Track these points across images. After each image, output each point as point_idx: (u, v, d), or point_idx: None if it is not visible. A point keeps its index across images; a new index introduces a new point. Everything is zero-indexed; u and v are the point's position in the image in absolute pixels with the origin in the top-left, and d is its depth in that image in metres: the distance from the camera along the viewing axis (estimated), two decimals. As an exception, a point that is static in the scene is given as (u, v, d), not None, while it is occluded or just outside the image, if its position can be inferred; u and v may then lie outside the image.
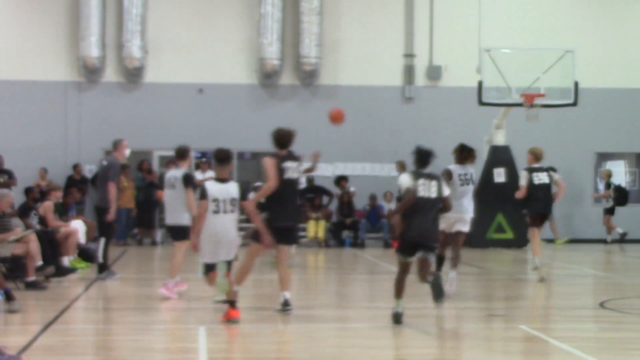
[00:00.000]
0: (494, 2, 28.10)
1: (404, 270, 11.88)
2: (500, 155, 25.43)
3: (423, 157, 12.54)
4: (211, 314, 12.67)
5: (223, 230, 11.83)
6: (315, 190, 26.54)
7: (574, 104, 24.92)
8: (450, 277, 14.70)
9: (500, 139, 25.65)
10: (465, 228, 15.02)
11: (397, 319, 11.79)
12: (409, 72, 28.06)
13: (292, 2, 27.50)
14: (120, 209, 23.45)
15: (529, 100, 24.18)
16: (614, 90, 28.28)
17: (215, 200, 11.83)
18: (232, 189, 12.01)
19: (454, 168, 15.71)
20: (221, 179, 12.09)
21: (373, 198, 26.50)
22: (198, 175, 26.17)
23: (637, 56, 28.36)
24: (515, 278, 18.40)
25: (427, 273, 11.72)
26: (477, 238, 24.42)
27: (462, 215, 15.00)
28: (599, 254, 23.50)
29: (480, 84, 24.71)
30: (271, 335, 11.37)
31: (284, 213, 12.61)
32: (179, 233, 14.47)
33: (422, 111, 27.98)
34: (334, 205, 26.59)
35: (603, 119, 28.35)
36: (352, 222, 26.01)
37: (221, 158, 12.23)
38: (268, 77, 27.51)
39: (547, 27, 28.08)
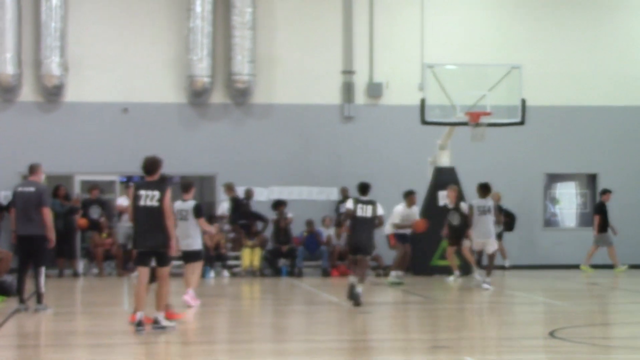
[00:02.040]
0: (436, 16, 28.37)
1: (353, 262, 17.78)
2: (445, 177, 25.57)
3: (363, 188, 18.11)
4: (134, 350, 12.59)
5: None
6: (248, 216, 26.50)
7: (522, 122, 25.20)
8: (485, 285, 20.88)
9: (444, 160, 25.82)
10: (493, 247, 21.56)
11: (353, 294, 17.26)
12: (348, 89, 28.20)
13: (223, 15, 27.52)
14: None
15: (474, 118, 24.41)
16: (563, 108, 28.67)
17: None
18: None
19: (475, 202, 21.67)
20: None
21: (310, 224, 26.52)
22: (123, 202, 26.05)
23: (586, 73, 28.79)
24: (460, 307, 18.53)
25: (362, 271, 17.63)
26: (421, 265, 24.55)
27: (486, 240, 21.48)
28: (547, 281, 23.75)
29: (423, 101, 24.90)
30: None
31: (141, 237, 14.07)
32: (192, 257, 17.42)
33: (363, 131, 28.11)
34: (269, 232, 26.56)
35: (552, 138, 28.71)
36: (289, 250, 26.00)
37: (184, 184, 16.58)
38: (198, 96, 27.47)
39: (493, 43, 28.41)
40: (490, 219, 21.43)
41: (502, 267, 26.15)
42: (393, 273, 22.38)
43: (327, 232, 26.46)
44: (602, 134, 28.86)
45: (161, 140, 27.37)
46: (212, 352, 12.64)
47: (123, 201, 26.06)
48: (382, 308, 18.24)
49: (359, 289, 17.31)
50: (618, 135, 28.90)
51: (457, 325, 15.76)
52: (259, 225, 26.57)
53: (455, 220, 22.78)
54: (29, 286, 16.83)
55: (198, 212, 17.28)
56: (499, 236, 24.58)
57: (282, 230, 26.24)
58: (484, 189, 21.69)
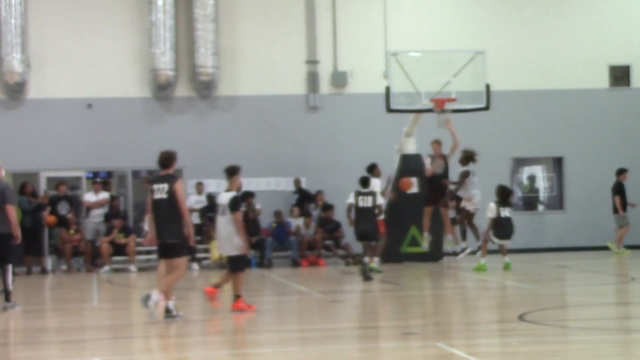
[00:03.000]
0: (399, 4, 28.44)
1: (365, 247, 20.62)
2: (411, 165, 25.65)
3: (364, 181, 20.53)
4: (104, 345, 12.58)
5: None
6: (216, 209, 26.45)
7: (487, 107, 25.29)
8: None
9: (411, 147, 25.88)
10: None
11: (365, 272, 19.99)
12: (312, 79, 28.21)
13: (185, 8, 27.45)
14: None
15: (440, 105, 24.46)
16: (527, 92, 28.83)
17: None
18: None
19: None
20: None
21: (279, 214, 26.55)
22: (91, 197, 25.98)
23: (549, 57, 28.95)
24: (431, 293, 18.63)
25: (370, 252, 20.49)
26: (390, 252, 24.61)
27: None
28: (516, 264, 23.87)
29: (387, 89, 24.93)
30: (173, 365, 11.34)
31: (157, 230, 14.37)
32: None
33: (328, 120, 28.15)
34: (237, 224, 26.52)
35: (518, 122, 28.86)
36: (257, 241, 26.00)
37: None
38: (162, 90, 27.39)
39: (456, 29, 28.52)
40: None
41: (454, 253, 24.79)
42: (376, 259, 22.44)
43: (296, 222, 26.49)
44: (567, 117, 29.04)
45: (126, 134, 27.32)
46: (184, 345, 12.65)
47: (90, 197, 26.00)
48: (353, 296, 18.30)
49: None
50: (583, 118, 29.10)
51: (427, 312, 15.85)
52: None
53: (439, 168, 23.13)
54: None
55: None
56: (454, 221, 24.45)
57: (250, 221, 26.23)
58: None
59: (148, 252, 26.63)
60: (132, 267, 25.10)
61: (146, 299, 14.11)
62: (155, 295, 14.05)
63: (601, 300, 16.21)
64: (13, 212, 16.40)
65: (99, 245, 25.20)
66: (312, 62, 28.25)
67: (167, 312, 14.17)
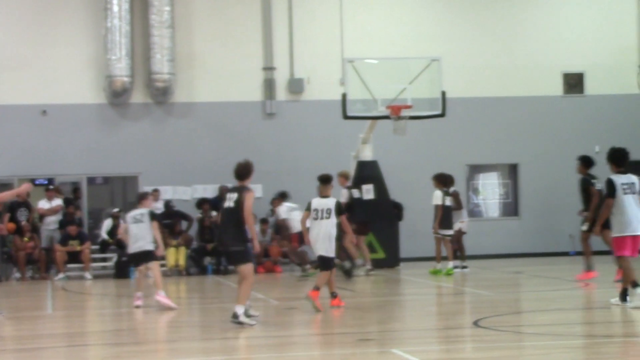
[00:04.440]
0: (355, 11, 28.54)
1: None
2: (368, 171, 25.76)
3: (324, 179, 16.71)
4: (62, 353, 12.51)
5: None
6: (172, 216, 26.41)
7: (442, 114, 25.44)
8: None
9: (367, 154, 25.98)
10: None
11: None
12: (269, 86, 28.23)
13: (141, 14, 27.37)
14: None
15: (396, 112, 24.59)
16: (482, 99, 29.03)
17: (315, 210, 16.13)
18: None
19: None
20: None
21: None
22: (44, 204, 25.78)
23: (503, 64, 29.17)
24: (387, 299, 18.68)
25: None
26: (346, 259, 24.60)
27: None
28: (471, 270, 23.99)
29: (344, 96, 25.01)
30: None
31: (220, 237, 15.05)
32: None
33: (285, 127, 28.18)
34: (193, 231, 26.49)
35: (473, 129, 29.04)
36: (213, 248, 25.94)
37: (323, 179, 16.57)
38: (118, 96, 27.29)
39: (412, 36, 28.66)
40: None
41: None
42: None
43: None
44: (521, 124, 29.27)
45: (82, 141, 27.20)
46: (138, 353, 12.60)
47: (44, 204, 25.79)
48: (309, 303, 18.30)
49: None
50: (537, 125, 29.33)
51: (383, 318, 15.89)
52: (184, 224, 26.50)
53: (344, 199, 23.17)
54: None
55: (153, 216, 17.81)
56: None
57: (206, 228, 26.19)
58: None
59: (103, 260, 26.54)
60: (87, 275, 24.97)
61: (234, 316, 14.14)
62: (239, 309, 14.20)
63: (555, 306, 16.33)
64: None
65: (54, 253, 25.03)
66: (269, 68, 28.27)
67: (234, 317, 14.18)
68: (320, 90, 28.26)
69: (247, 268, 14.43)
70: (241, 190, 14.47)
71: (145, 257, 17.59)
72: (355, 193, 24.76)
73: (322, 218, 16.03)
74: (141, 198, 18.32)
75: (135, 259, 17.82)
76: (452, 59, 27.63)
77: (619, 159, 15.36)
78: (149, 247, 17.59)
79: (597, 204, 18.60)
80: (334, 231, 16.03)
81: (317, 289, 15.89)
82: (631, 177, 15.23)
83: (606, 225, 17.17)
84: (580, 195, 20.04)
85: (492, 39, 29.21)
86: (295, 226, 23.29)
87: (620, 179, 15.12)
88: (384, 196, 25.81)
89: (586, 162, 20.25)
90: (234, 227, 14.40)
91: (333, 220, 15.98)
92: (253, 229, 14.55)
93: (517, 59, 29.26)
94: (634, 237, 15.07)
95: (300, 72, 28.39)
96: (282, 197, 25.03)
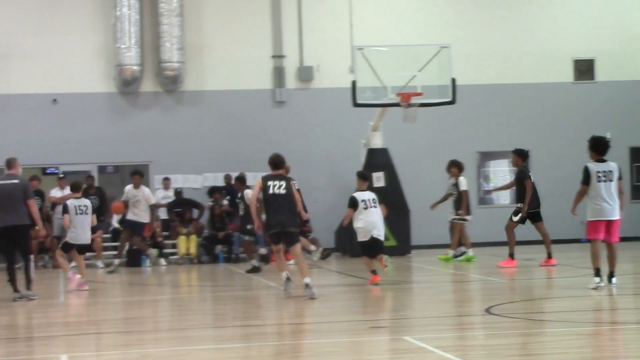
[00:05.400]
0: (365, -2, 28.51)
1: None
2: (378, 159, 25.74)
3: (361, 176, 18.56)
4: (74, 341, 12.54)
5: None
6: (183, 204, 26.43)
7: (452, 101, 25.40)
8: None
9: (377, 142, 25.98)
10: None
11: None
12: (278, 74, 28.22)
13: (150, 3, 27.37)
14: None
15: (406, 99, 24.56)
16: (493, 86, 28.98)
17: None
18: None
19: None
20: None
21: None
22: (56, 193, 25.83)
23: (514, 50, 29.12)
24: (399, 287, 18.68)
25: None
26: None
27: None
28: (483, 258, 23.99)
29: (354, 84, 24.98)
30: (141, 361, 11.30)
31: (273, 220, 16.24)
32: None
33: (295, 115, 28.16)
34: (204, 219, 26.52)
35: (484, 116, 29.00)
36: (225, 236, 25.97)
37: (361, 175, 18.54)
38: (128, 85, 27.31)
39: (422, 23, 28.61)
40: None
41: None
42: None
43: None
44: (532, 111, 29.22)
45: (92, 130, 27.24)
46: (149, 341, 12.63)
47: (56, 192, 25.82)
48: (321, 291, 18.31)
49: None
50: (548, 112, 29.28)
51: (395, 305, 15.89)
52: (195, 212, 26.53)
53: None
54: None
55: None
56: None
57: (217, 216, 26.20)
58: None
59: (114, 249, 26.57)
60: (99, 263, 25.00)
61: (307, 286, 15.83)
62: (308, 280, 15.86)
63: (568, 293, 16.31)
64: (35, 207, 17.52)
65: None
66: (278, 56, 28.25)
67: (307, 286, 15.84)
68: (330, 77, 28.23)
69: (299, 247, 16.34)
70: (288, 179, 16.39)
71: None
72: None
73: (371, 207, 17.90)
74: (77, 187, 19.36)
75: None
76: (462, 45, 27.57)
77: (599, 147, 16.04)
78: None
79: (531, 196, 20.92)
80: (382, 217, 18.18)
81: (374, 272, 17.91)
82: (610, 165, 15.96)
83: (538, 217, 20.96)
84: (516, 187, 21.37)
85: (502, 26, 29.14)
86: None
87: (597, 167, 15.87)
88: (394, 184, 25.80)
89: (521, 154, 21.59)
90: (290, 212, 16.13)
91: (380, 208, 18.12)
92: (303, 213, 16.89)
93: (527, 46, 29.18)
94: (609, 222, 15.86)
95: (309, 59, 28.36)
96: (242, 181, 23.84)
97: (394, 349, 11.40)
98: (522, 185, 21.15)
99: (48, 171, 27.16)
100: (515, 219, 21.32)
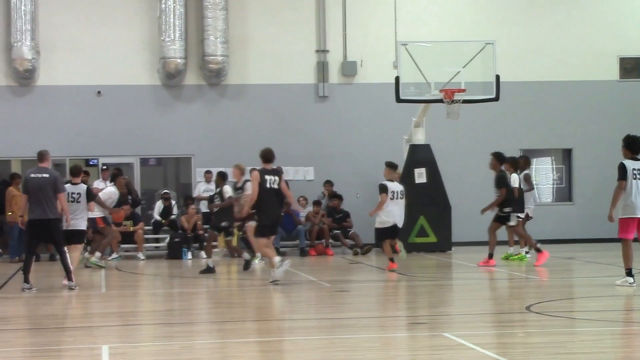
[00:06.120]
0: (409, -7, 28.46)
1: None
2: (420, 155, 25.74)
3: (391, 165, 20.77)
4: (115, 332, 12.67)
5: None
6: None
7: (496, 98, 25.33)
8: None
9: (420, 138, 25.95)
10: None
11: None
12: (322, 68, 28.25)
13: (195, -4, 27.49)
14: (14, 223, 23.21)
15: (449, 95, 24.52)
16: (537, 83, 28.85)
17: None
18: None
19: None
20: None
21: (287, 204, 26.56)
22: (99, 185, 26.00)
23: (559, 48, 28.97)
24: (439, 283, 18.69)
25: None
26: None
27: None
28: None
29: (397, 79, 24.98)
30: (180, 353, 11.39)
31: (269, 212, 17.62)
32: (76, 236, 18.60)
33: (337, 110, 28.20)
34: (246, 213, 26.58)
35: (527, 114, 28.88)
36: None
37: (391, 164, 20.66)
38: (171, 77, 27.46)
39: (466, 19, 28.54)
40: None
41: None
42: (98, 254, 23.00)
43: (304, 211, 26.52)
44: (576, 109, 29.06)
45: (136, 122, 27.41)
46: (190, 333, 12.73)
47: (99, 184, 25.96)
48: (361, 286, 18.36)
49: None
50: (592, 110, 29.11)
51: (435, 302, 15.91)
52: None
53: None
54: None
55: (89, 196, 18.83)
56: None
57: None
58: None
59: (156, 240, 26.77)
60: (140, 255, 25.19)
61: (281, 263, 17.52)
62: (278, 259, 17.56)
63: (608, 292, 16.25)
64: (65, 200, 17.55)
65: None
66: (322, 51, 28.29)
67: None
68: (374, 73, 28.24)
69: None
70: (279, 173, 17.73)
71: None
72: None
73: (397, 198, 20.12)
74: (73, 173, 19.01)
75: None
76: (507, 42, 27.49)
77: (634, 146, 16.34)
78: (82, 226, 18.64)
79: (505, 199, 20.99)
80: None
81: (392, 260, 19.75)
82: None
83: (507, 220, 20.98)
84: (495, 191, 21.28)
85: (547, 23, 29.00)
86: None
87: (633, 164, 16.18)
88: (436, 180, 25.79)
89: (500, 158, 21.65)
90: (280, 205, 18.02)
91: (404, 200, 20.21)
92: (296, 204, 18.12)
93: (572, 43, 29.03)
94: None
95: (353, 55, 28.38)
96: (222, 177, 23.46)
97: (433, 345, 11.43)
98: (506, 189, 21.02)
99: (91, 163, 27.38)
100: (512, 223, 21.47)
